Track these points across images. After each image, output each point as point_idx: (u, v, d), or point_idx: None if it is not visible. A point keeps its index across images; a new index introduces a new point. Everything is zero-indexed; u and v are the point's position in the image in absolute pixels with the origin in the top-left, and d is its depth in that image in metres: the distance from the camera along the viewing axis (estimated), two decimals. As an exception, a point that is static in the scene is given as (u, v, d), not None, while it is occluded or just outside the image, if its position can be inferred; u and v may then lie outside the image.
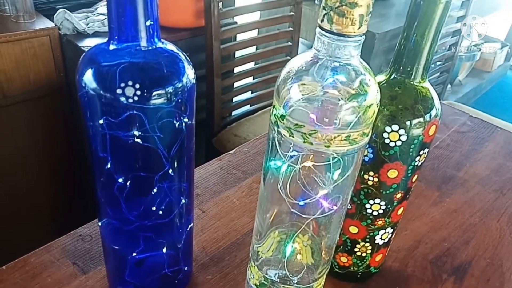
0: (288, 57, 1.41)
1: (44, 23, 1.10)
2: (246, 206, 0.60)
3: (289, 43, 1.40)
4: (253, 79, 1.42)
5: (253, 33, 1.38)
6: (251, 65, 1.39)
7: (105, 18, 1.20)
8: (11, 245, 0.84)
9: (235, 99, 1.39)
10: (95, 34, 1.16)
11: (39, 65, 1.10)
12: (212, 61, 1.19)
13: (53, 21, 1.14)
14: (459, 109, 0.93)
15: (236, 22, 1.34)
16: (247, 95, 1.42)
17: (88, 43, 1.13)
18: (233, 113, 1.41)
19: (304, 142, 0.33)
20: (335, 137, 0.33)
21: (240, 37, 1.33)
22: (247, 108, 1.42)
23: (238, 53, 1.34)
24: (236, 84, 1.36)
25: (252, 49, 1.41)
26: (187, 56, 0.36)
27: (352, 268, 0.49)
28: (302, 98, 0.34)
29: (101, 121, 0.34)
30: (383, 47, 1.60)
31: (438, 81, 2.07)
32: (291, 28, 1.38)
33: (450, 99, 2.26)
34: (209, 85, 1.24)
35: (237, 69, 1.34)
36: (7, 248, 0.78)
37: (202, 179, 0.64)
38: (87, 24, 1.17)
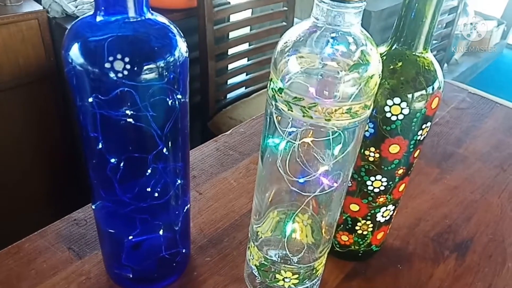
0: (283, 38, 1.38)
1: (32, 6, 1.07)
2: (244, 187, 0.59)
3: (284, 23, 1.37)
4: (248, 60, 1.40)
5: (247, 13, 1.34)
6: (245, 46, 1.36)
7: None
8: (5, 231, 0.82)
9: (229, 81, 1.37)
10: (85, 17, 1.13)
11: (29, 49, 1.07)
12: (206, 43, 1.17)
13: (41, 4, 1.10)
14: (457, 86, 0.92)
15: (229, 2, 1.31)
16: (242, 77, 1.40)
17: (78, 26, 1.09)
18: (228, 95, 1.39)
19: (303, 116, 0.32)
20: (336, 110, 0.31)
21: (234, 17, 1.30)
22: (242, 90, 1.40)
23: (232, 34, 1.32)
24: (230, 66, 1.34)
25: (246, 30, 1.38)
26: (178, 29, 0.34)
27: (353, 247, 0.49)
28: (300, 70, 0.32)
29: (90, 99, 0.32)
30: (379, 25, 1.57)
31: (435, 59, 2.04)
32: (285, 8, 1.35)
33: (446, 78, 2.24)
34: (203, 68, 1.22)
35: (231, 51, 1.31)
36: (1, 234, 0.77)
37: (198, 160, 0.63)
38: (76, 7, 1.14)
